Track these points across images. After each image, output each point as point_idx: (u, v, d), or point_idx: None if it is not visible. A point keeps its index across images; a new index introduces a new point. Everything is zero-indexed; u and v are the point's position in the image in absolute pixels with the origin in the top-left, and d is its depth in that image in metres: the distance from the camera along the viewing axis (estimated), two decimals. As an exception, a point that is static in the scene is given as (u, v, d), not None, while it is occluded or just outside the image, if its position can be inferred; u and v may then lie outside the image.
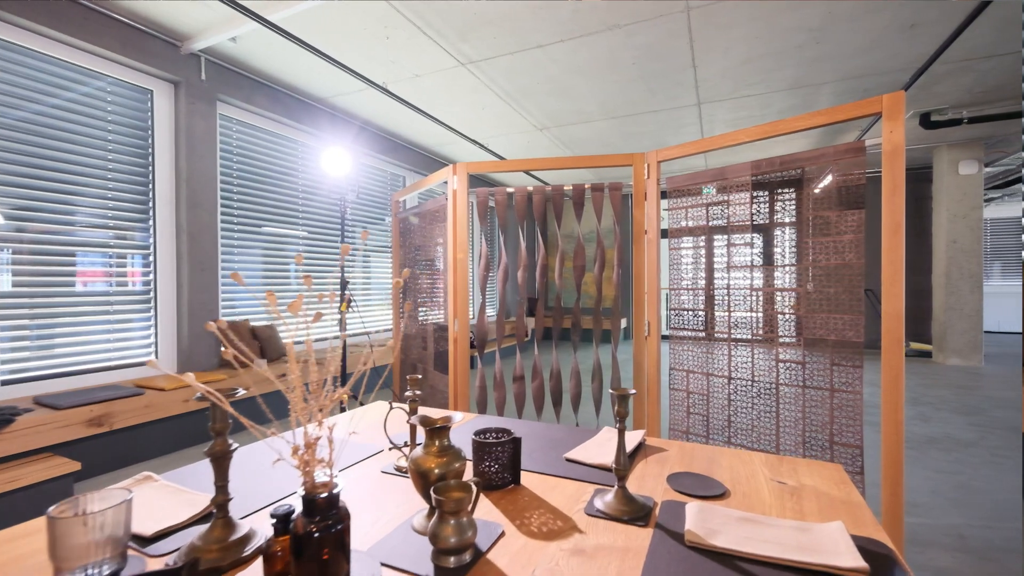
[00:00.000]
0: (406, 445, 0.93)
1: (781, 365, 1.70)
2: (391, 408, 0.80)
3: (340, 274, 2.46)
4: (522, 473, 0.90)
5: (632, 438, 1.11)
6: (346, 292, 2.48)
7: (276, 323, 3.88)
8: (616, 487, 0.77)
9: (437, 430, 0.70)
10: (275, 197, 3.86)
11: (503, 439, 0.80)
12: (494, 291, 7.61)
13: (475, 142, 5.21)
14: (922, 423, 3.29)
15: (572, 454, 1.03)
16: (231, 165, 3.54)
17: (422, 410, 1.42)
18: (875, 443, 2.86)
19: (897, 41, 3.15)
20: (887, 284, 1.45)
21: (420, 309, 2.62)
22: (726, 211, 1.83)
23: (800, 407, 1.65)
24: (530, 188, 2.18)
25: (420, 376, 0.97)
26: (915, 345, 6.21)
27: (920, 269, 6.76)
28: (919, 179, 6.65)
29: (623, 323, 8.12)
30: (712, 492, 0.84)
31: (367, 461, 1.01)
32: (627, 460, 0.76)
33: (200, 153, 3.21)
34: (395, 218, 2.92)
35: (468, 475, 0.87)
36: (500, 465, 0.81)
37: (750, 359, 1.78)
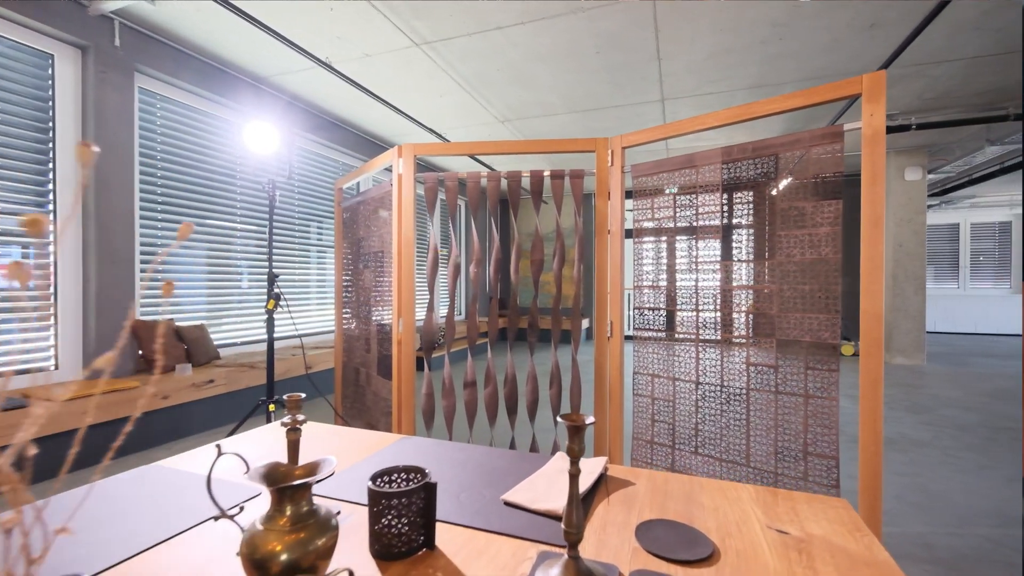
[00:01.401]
0: (241, 509, 0.65)
1: (752, 369, 1.56)
2: (219, 453, 0.51)
3: (268, 268, 2.18)
4: (440, 528, 0.67)
5: (591, 469, 0.89)
6: (274, 288, 2.19)
7: (210, 323, 3.50)
8: (566, 556, 0.57)
9: (289, 490, 0.47)
10: (210, 185, 3.48)
11: (411, 484, 0.58)
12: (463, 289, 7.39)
13: (433, 132, 4.96)
14: (895, 424, 3.30)
15: (513, 495, 0.80)
16: (154, 146, 3.15)
17: (352, 432, 1.19)
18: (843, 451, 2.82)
19: (857, 41, 3.14)
20: (866, 282, 1.33)
21: (363, 308, 2.37)
22: (694, 200, 1.69)
23: (772, 414, 1.52)
24: (484, 174, 1.97)
25: (303, 396, 0.73)
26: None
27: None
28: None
29: (585, 323, 8.04)
30: (697, 554, 0.64)
31: (192, 533, 0.66)
32: (581, 517, 0.56)
33: (112, 129, 2.82)
34: (338, 208, 2.65)
35: (353, 547, 0.62)
36: (406, 523, 0.58)
37: (719, 362, 1.64)
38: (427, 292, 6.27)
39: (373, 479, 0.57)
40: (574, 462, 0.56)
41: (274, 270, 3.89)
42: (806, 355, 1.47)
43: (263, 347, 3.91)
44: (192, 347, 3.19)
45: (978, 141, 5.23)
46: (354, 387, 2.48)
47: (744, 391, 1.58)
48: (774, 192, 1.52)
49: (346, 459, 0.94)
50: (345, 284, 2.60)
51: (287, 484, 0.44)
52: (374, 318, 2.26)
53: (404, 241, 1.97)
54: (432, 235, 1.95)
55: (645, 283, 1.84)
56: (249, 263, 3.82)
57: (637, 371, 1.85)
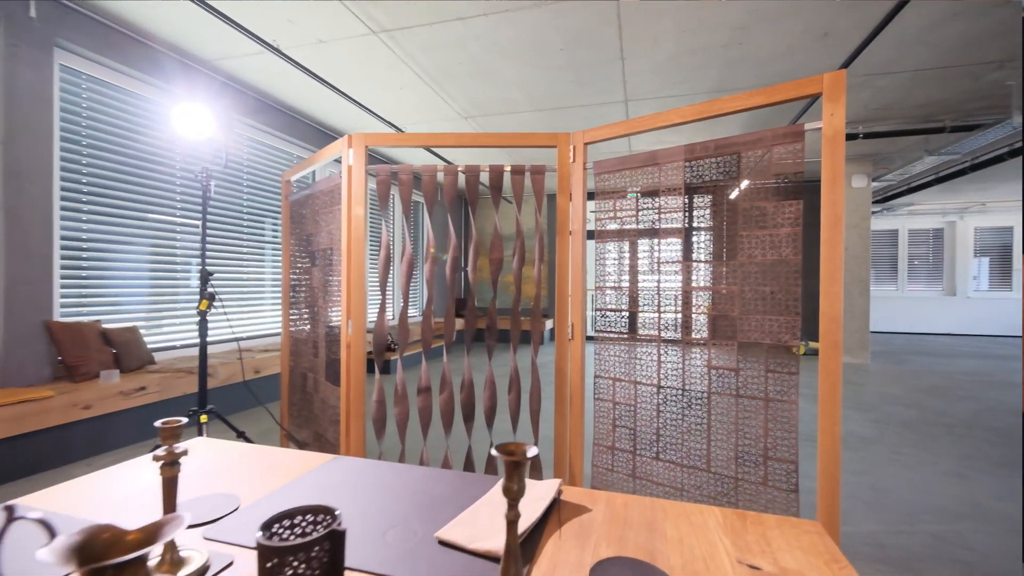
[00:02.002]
0: None
1: (713, 372, 1.53)
2: (7, 519, 0.36)
3: (201, 265, 1.99)
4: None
5: (542, 494, 0.77)
6: (208, 287, 2.00)
7: (147, 325, 3.22)
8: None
9: (110, 570, 0.33)
10: (146, 175, 3.20)
11: (314, 531, 0.48)
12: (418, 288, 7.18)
13: (392, 125, 4.79)
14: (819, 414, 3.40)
15: (450, 532, 0.68)
16: (79, 130, 2.86)
17: (274, 453, 1.05)
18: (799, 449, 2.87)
19: (811, 49, 3.23)
20: (826, 283, 1.32)
21: (311, 309, 2.21)
22: (656, 201, 1.64)
23: (733, 418, 1.49)
24: (440, 167, 1.86)
25: (182, 420, 0.60)
26: (812, 344, 6.69)
27: (817, 273, 7.30)
28: (818, 190, 7.16)
29: (549, 324, 8.02)
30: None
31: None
32: (520, 571, 0.47)
33: (26, 109, 2.53)
34: (285, 201, 2.47)
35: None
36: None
37: (680, 365, 1.60)
38: (381, 292, 6.07)
39: (266, 526, 0.45)
40: (512, 505, 0.47)
41: (208, 267, 3.64)
42: (766, 357, 1.44)
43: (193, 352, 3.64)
44: (122, 351, 2.92)
45: (918, 151, 5.54)
46: (301, 394, 2.32)
47: (705, 395, 1.54)
48: (736, 192, 1.49)
49: (261, 486, 0.81)
50: (293, 283, 2.43)
51: (102, 564, 0.33)
52: (323, 320, 2.10)
53: (354, 238, 1.84)
54: (385, 232, 1.83)
55: (607, 284, 1.79)
56: (196, 260, 3.54)
57: (598, 374, 1.80)
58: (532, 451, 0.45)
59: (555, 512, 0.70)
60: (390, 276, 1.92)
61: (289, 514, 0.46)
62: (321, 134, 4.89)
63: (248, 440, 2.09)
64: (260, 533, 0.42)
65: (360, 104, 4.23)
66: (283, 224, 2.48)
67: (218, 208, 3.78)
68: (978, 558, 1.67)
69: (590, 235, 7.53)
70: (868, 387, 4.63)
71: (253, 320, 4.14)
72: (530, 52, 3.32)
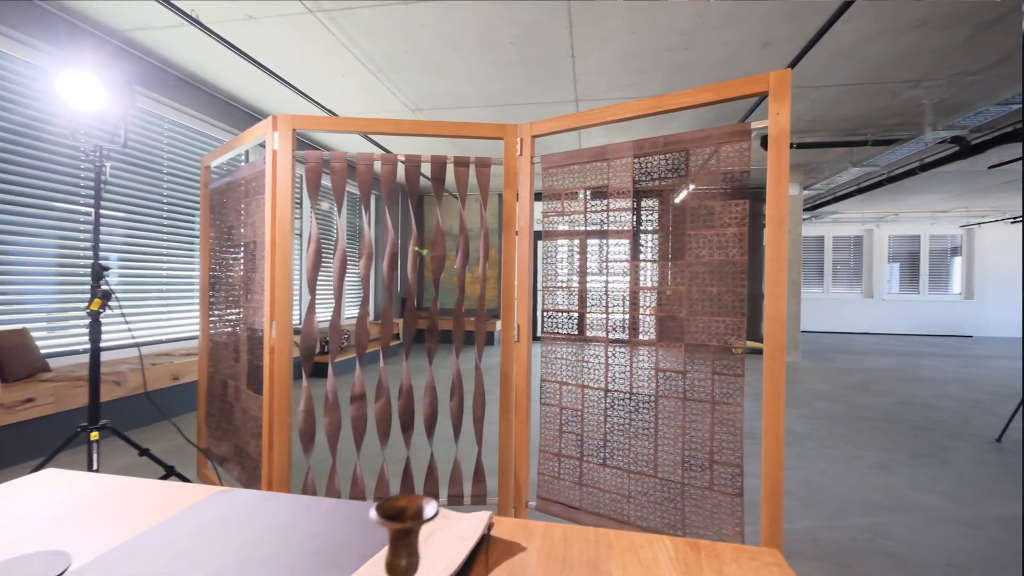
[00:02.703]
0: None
1: (661, 375, 1.49)
2: None
3: (94, 259, 1.74)
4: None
5: (467, 532, 0.63)
6: (101, 285, 1.75)
7: (48, 327, 2.82)
8: None
9: None
10: (45, 159, 2.80)
11: None
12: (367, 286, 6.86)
13: (333, 114, 4.52)
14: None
15: None
16: (-51, 100, 2.45)
17: (141, 487, 0.88)
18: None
19: (752, 58, 3.34)
20: (770, 284, 1.31)
21: (232, 309, 1.99)
22: (605, 194, 1.59)
23: (680, 422, 1.46)
24: (378, 156, 1.72)
25: None
26: (750, 344, 7.02)
27: (756, 276, 7.69)
28: (759, 198, 7.54)
29: (500, 325, 7.95)
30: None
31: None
32: None
33: None
34: (204, 190, 2.22)
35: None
36: None
37: (628, 369, 1.55)
38: (310, 292, 5.76)
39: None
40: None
41: (124, 262, 3.28)
42: (713, 359, 1.42)
43: (114, 355, 3.25)
44: (6, 357, 2.54)
45: (843, 163, 5.93)
46: (221, 403, 2.09)
47: (653, 398, 1.50)
48: (685, 190, 1.46)
49: (118, 532, 0.63)
50: (213, 280, 2.19)
51: None
52: (245, 321, 1.90)
53: (279, 230, 1.66)
54: (312, 225, 1.66)
55: (554, 284, 1.72)
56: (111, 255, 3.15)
57: (545, 378, 1.72)
58: (430, 509, 0.34)
59: (483, 553, 0.58)
60: (343, 275, 1.75)
61: None
62: (251, 119, 4.54)
63: (154, 459, 1.85)
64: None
65: (298, 90, 3.96)
66: (202, 214, 2.23)
67: (134, 196, 3.40)
68: (905, 549, 1.75)
69: (538, 235, 7.51)
70: (799, 384, 4.89)
71: (175, 320, 3.76)
72: (480, 44, 3.22)
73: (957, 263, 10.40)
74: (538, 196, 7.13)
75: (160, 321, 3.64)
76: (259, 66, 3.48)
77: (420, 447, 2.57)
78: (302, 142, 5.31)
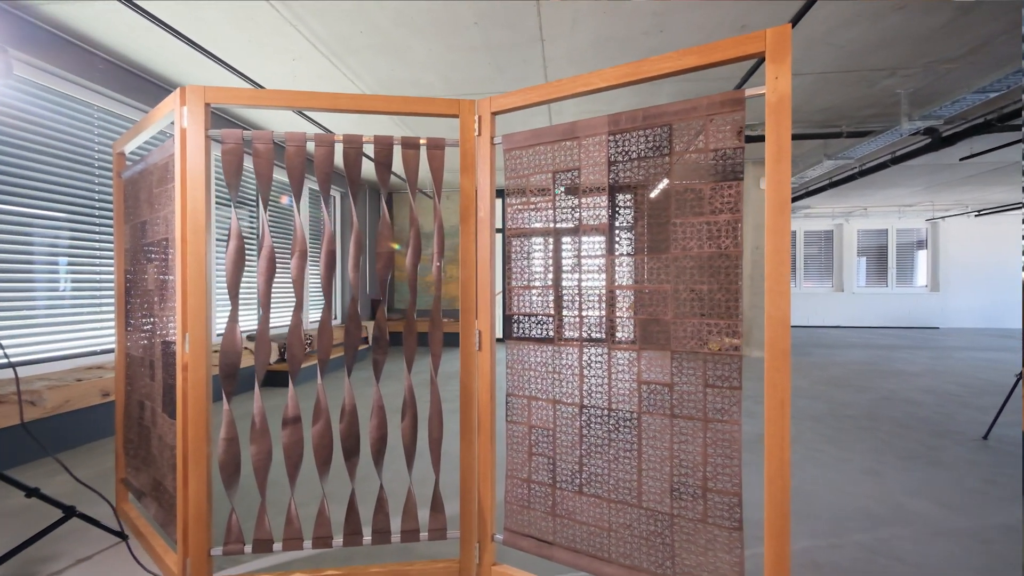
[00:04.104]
0: None
1: (644, 388, 1.28)
2: None
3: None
4: None
5: None
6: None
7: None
8: None
9: None
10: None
11: None
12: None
13: (303, 115, 4.18)
14: (748, 419, 3.39)
15: None
16: None
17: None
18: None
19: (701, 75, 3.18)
20: (771, 280, 1.11)
21: (148, 319, 1.70)
22: (577, 179, 1.37)
23: (667, 443, 1.25)
24: (311, 135, 1.46)
25: None
26: (728, 340, 6.96)
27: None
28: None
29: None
30: None
31: None
32: None
33: None
34: (117, 180, 1.92)
35: None
36: None
37: (606, 381, 1.34)
38: (232, 298, 5.41)
39: None
40: None
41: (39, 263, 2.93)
42: (704, 369, 1.22)
43: (42, 369, 2.88)
44: None
45: (817, 155, 5.90)
46: (138, 428, 1.79)
47: (635, 415, 1.29)
48: (667, 171, 1.25)
49: None
50: (129, 285, 1.88)
51: None
52: (159, 332, 1.61)
53: (191, 224, 1.38)
54: (233, 219, 1.39)
55: (518, 284, 1.49)
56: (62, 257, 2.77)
57: (511, 392, 1.49)
58: None
59: None
60: (271, 278, 1.47)
61: None
62: (216, 117, 4.17)
63: (47, 500, 1.54)
64: None
65: (244, 76, 3.63)
66: (115, 208, 1.93)
67: (39, 188, 3.02)
68: (910, 571, 1.59)
69: (499, 231, 7.29)
70: (779, 381, 4.79)
71: (95, 331, 3.38)
72: (443, 29, 2.97)
73: (921, 256, 10.65)
74: (499, 193, 6.89)
75: (73, 332, 3.25)
76: (194, 45, 3.15)
77: (367, 477, 2.22)
78: (230, 123, 4.95)
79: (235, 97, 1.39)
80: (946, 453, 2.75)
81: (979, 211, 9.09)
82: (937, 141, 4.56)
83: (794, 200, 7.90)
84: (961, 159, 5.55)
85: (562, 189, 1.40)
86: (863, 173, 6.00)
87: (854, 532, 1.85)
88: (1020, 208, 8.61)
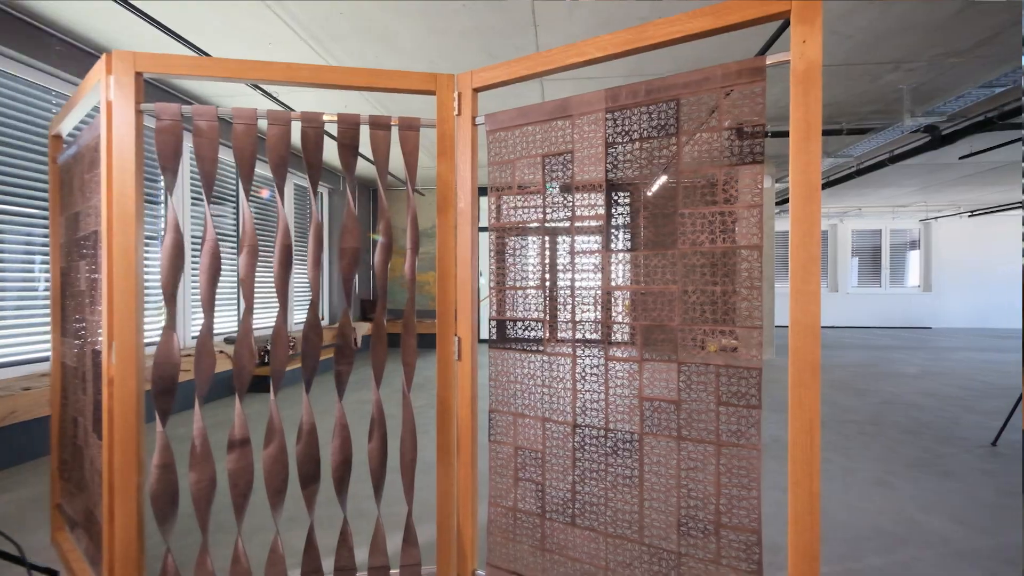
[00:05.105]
0: None
1: (647, 405, 1.11)
2: None
3: None
4: None
5: None
6: None
7: None
8: None
9: None
10: None
11: None
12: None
13: (263, 91, 3.98)
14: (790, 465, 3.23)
15: None
16: None
17: None
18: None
19: (714, 44, 3.02)
20: (797, 279, 0.94)
21: (80, 324, 1.49)
22: (568, 168, 1.19)
23: (674, 469, 1.07)
24: (264, 112, 1.27)
25: None
26: (725, 341, 6.83)
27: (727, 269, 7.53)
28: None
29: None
30: None
31: None
32: None
33: None
34: (53, 165, 1.71)
35: None
36: None
37: (604, 396, 1.16)
38: (167, 301, 5.19)
39: None
40: None
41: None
42: (717, 383, 1.04)
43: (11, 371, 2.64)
44: None
45: (814, 154, 5.77)
46: (72, 448, 1.58)
47: (636, 436, 1.11)
48: (672, 161, 1.07)
49: None
50: (64, 284, 1.67)
51: None
52: (89, 339, 1.41)
53: (119, 214, 1.19)
54: (170, 210, 1.20)
55: (502, 284, 1.31)
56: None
57: (495, 408, 1.31)
58: None
59: None
60: (215, 278, 1.22)
61: None
62: (165, 94, 3.95)
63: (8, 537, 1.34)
64: None
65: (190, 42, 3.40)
66: (51, 197, 1.71)
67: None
68: (939, 604, 1.43)
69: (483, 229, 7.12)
70: (778, 383, 4.66)
71: (45, 335, 3.10)
72: (431, 13, 2.78)
73: (913, 257, 10.62)
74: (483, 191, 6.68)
75: (19, 336, 2.96)
76: (159, 26, 2.92)
77: (328, 515, 1.88)
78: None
79: (172, 65, 1.19)
80: (955, 461, 2.61)
81: (972, 212, 9.06)
82: (937, 139, 4.44)
83: (783, 202, 7.79)
84: (961, 157, 5.45)
85: (553, 176, 1.21)
86: (861, 172, 5.89)
87: (870, 554, 1.69)
88: (1017, 208, 8.58)
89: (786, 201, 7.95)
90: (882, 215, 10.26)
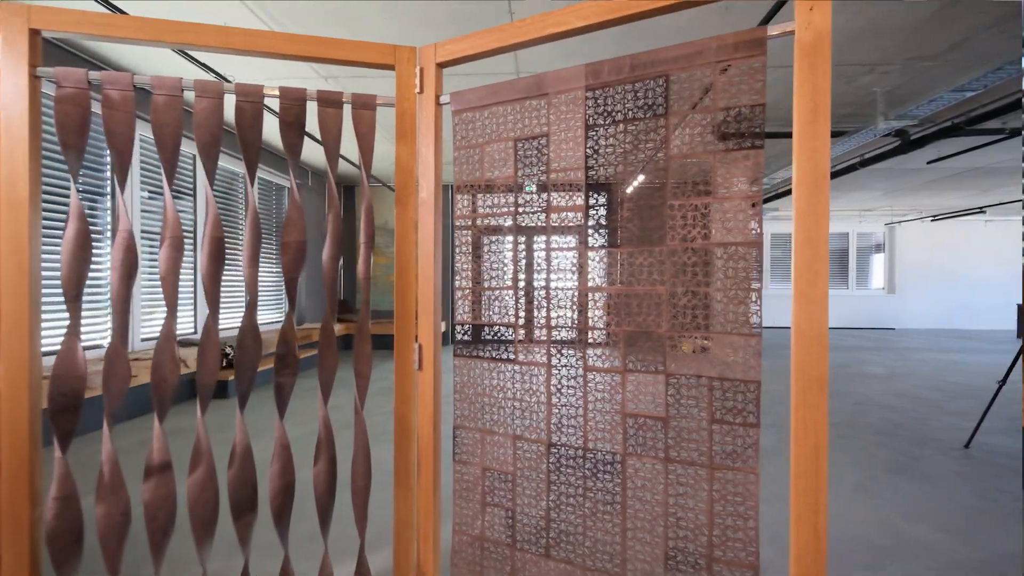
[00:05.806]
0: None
1: (630, 422, 0.98)
2: None
3: None
4: None
5: None
6: None
7: None
8: None
9: None
10: None
11: None
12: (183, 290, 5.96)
13: (200, 63, 3.71)
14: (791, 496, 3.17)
15: None
16: None
17: None
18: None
19: (715, 22, 2.95)
20: (802, 281, 0.82)
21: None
22: (545, 148, 1.05)
23: (661, 494, 0.95)
24: (190, 83, 1.09)
25: None
26: (700, 341, 6.84)
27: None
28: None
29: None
30: None
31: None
32: None
33: None
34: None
35: None
36: None
37: (582, 411, 1.03)
38: (69, 303, 4.92)
39: None
40: None
41: None
42: (710, 398, 0.92)
43: None
44: None
45: (789, 157, 5.82)
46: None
47: (619, 457, 0.99)
48: (660, 145, 0.95)
49: None
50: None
51: None
52: (-16, 347, 1.20)
53: (6, 197, 0.99)
54: (74, 195, 1.01)
55: (467, 285, 1.16)
56: None
57: (460, 424, 1.17)
58: None
59: None
60: (132, 275, 1.06)
61: None
62: (83, 63, 3.64)
63: None
64: None
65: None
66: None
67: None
68: (933, 626, 1.35)
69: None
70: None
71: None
72: (394, -13, 2.61)
73: (877, 259, 10.94)
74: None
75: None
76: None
77: (266, 554, 1.59)
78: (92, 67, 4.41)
79: (76, 22, 1.00)
80: (931, 464, 2.59)
81: (935, 216, 9.37)
82: (906, 143, 4.50)
83: (764, 202, 7.88)
84: (929, 162, 5.57)
85: (527, 163, 1.08)
86: (833, 175, 5.97)
87: (858, 570, 1.62)
88: (976, 213, 8.90)
89: (769, 199, 8.03)
90: (850, 218, 10.52)
